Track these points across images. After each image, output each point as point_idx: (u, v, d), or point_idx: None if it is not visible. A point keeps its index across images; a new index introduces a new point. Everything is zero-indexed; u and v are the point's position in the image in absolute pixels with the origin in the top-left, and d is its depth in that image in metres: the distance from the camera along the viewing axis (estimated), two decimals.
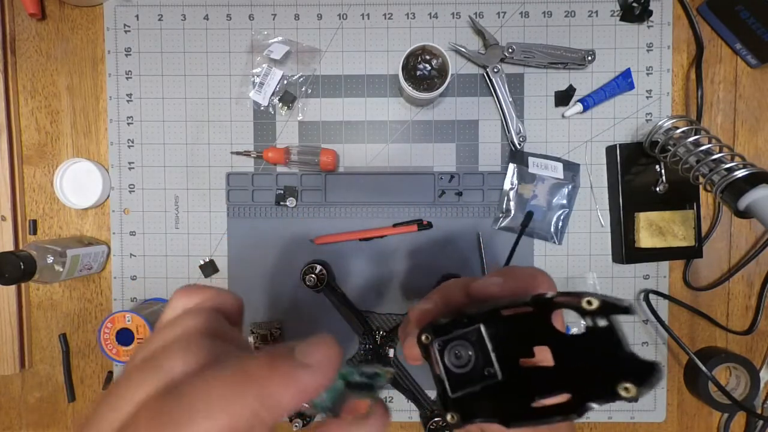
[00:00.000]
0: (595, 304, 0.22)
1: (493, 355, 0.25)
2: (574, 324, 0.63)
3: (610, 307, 0.22)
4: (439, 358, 0.25)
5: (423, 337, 0.26)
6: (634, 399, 0.20)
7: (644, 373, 0.20)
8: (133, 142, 0.67)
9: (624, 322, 0.63)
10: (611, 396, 0.21)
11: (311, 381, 0.20)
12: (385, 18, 0.66)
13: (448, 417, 0.25)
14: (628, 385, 0.20)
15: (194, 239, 0.67)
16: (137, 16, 0.67)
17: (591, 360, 0.22)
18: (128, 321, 0.59)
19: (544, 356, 0.23)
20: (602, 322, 0.22)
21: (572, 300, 0.22)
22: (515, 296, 0.25)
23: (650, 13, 0.65)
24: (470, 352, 0.25)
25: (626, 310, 0.22)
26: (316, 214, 0.67)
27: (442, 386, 0.25)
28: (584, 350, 0.22)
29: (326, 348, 0.21)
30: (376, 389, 0.25)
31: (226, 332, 0.24)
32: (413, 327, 0.28)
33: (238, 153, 0.67)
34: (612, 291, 0.67)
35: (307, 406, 0.22)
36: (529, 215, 0.64)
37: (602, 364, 0.22)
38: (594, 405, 0.21)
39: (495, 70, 0.64)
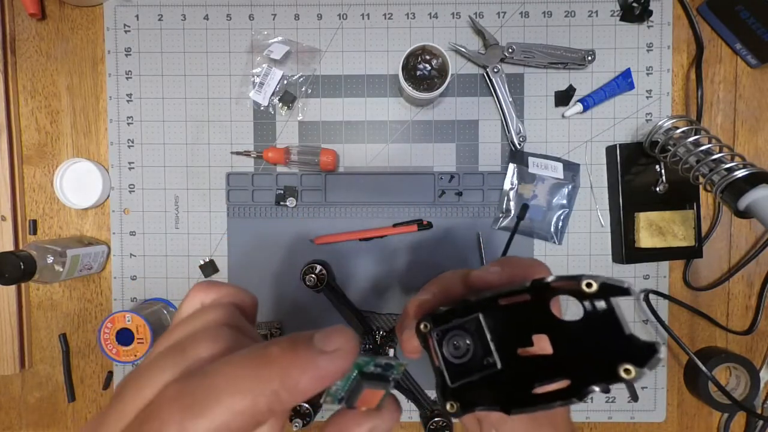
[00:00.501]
0: (595, 286, 0.21)
1: (492, 345, 0.24)
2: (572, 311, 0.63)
3: (610, 288, 0.21)
4: (437, 348, 0.25)
5: (422, 326, 0.26)
6: (635, 380, 0.20)
7: (645, 354, 0.20)
8: (133, 142, 0.67)
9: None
10: (612, 378, 0.21)
11: (329, 366, 0.20)
12: (385, 18, 0.66)
13: (448, 406, 0.25)
14: (628, 366, 0.20)
15: (194, 239, 0.67)
16: (137, 16, 0.67)
17: (591, 344, 0.22)
18: (128, 321, 0.59)
19: (542, 345, 0.24)
20: (601, 305, 0.22)
21: (571, 284, 0.22)
22: (513, 284, 0.25)
23: (650, 13, 0.65)
24: (468, 342, 0.25)
25: (626, 291, 0.21)
26: (316, 214, 0.67)
27: (441, 377, 0.25)
28: (583, 335, 0.22)
29: (344, 336, 0.21)
30: (390, 381, 0.25)
31: (245, 326, 0.25)
32: (411, 319, 0.28)
33: (238, 153, 0.67)
34: None
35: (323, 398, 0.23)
36: (524, 208, 0.64)
37: (602, 347, 0.21)
38: (596, 388, 0.21)
39: (495, 70, 0.64)
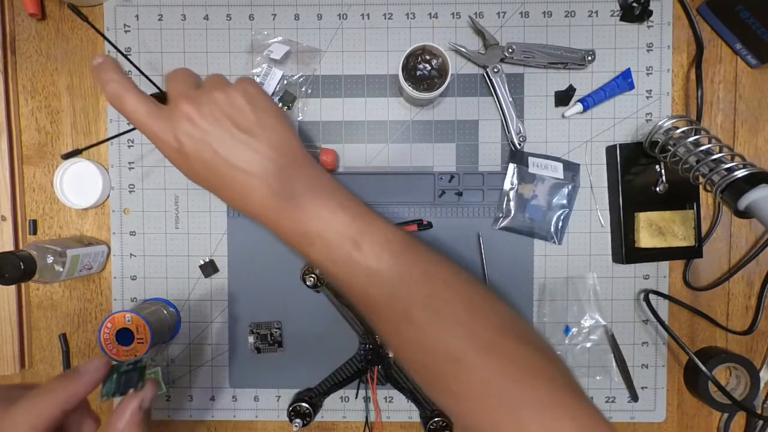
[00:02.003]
0: None
1: None
2: None
3: None
4: None
5: None
6: None
7: None
8: (133, 141, 0.67)
9: (623, 322, 0.63)
10: None
11: (87, 382, 0.39)
12: (385, 18, 0.66)
13: None
14: None
15: (194, 239, 0.67)
16: (137, 16, 0.67)
17: None
18: (128, 321, 0.59)
19: None
20: None
21: None
22: None
23: (650, 13, 0.65)
24: None
25: None
26: None
27: None
28: None
29: (95, 364, 0.40)
30: (143, 368, 0.42)
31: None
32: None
33: None
34: (612, 291, 0.67)
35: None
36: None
37: None
38: None
39: (495, 70, 0.64)
